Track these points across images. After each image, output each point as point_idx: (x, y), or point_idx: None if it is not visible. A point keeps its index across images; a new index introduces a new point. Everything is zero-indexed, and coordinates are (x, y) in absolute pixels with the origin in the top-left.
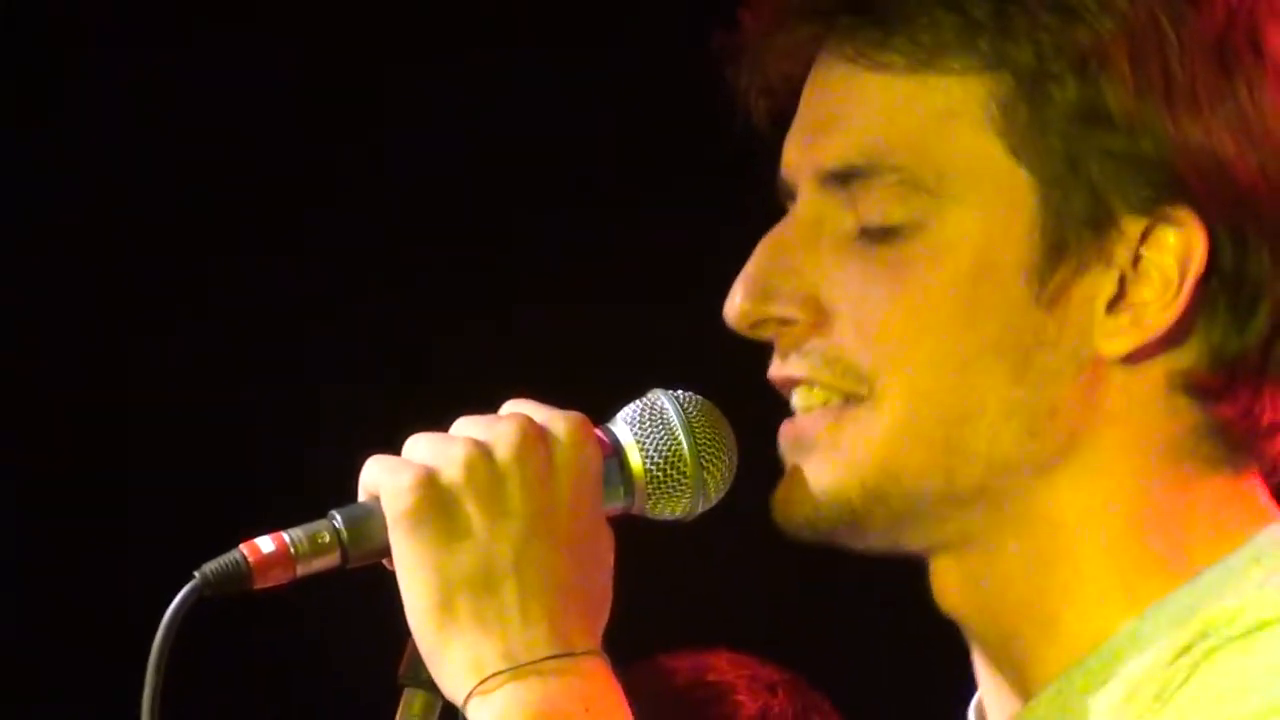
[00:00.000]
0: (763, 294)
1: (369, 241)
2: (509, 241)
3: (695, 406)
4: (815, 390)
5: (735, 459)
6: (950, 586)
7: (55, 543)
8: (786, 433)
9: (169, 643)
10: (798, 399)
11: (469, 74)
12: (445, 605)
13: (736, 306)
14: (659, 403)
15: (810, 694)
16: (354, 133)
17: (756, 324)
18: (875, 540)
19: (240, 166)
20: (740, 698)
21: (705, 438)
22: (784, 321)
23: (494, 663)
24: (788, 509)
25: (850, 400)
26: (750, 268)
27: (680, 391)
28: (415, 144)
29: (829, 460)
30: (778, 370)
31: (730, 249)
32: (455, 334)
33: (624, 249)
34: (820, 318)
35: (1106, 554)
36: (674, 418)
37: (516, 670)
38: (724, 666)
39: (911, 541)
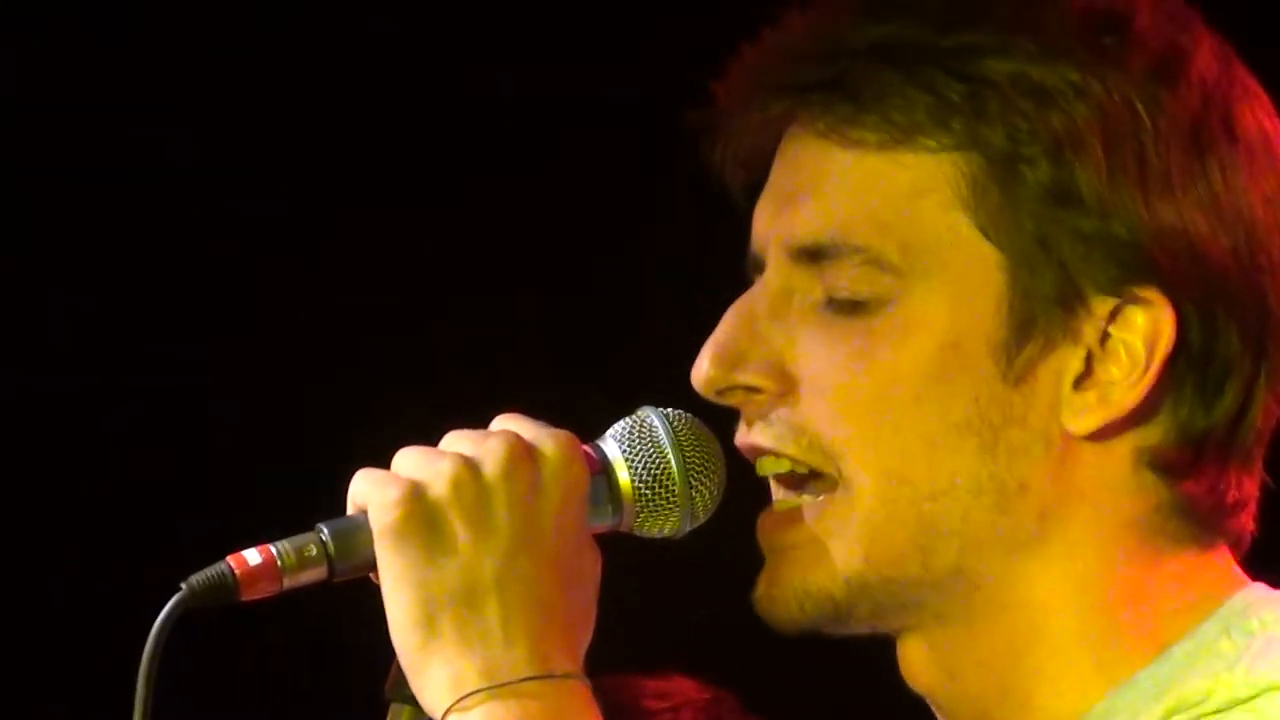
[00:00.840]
0: (730, 361)
1: (364, 247)
2: (508, 250)
3: (685, 425)
4: (781, 460)
5: (724, 478)
6: (920, 666)
7: (47, 550)
8: (767, 527)
9: (157, 654)
10: (763, 467)
11: (487, 85)
12: (428, 621)
13: (704, 373)
14: (649, 420)
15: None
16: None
17: (723, 391)
18: (856, 627)
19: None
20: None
21: (694, 456)
22: (751, 389)
23: (473, 680)
24: (772, 607)
25: (815, 476)
26: (718, 335)
27: (670, 409)
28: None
29: (813, 560)
30: (744, 438)
31: (725, 263)
32: (450, 342)
33: (620, 262)
34: (787, 386)
35: (1079, 633)
36: (663, 436)
37: (495, 690)
38: (650, 689)
39: (889, 625)
